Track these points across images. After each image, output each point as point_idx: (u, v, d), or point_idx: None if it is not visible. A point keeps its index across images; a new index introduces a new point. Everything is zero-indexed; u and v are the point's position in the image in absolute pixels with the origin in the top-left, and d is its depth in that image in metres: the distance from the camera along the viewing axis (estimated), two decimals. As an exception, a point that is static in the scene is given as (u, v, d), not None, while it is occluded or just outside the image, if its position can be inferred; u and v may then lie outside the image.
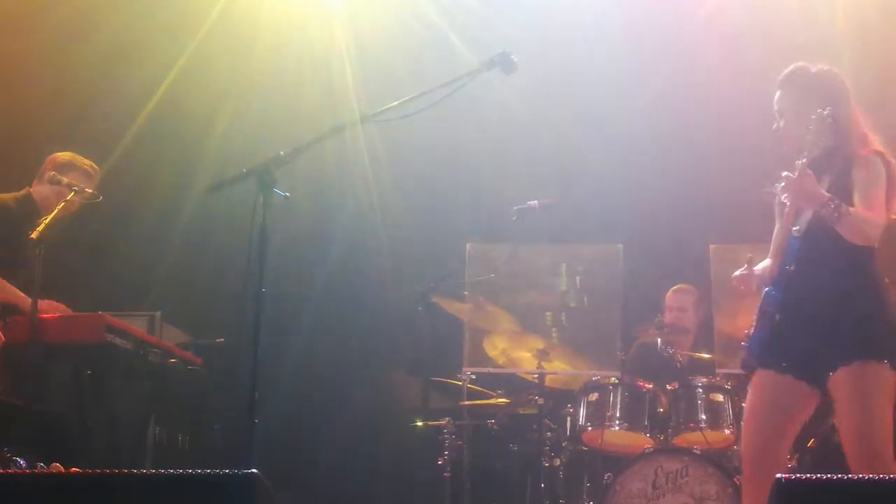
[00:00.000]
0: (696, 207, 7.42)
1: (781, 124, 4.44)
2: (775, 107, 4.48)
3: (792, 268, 4.29)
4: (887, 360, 4.16)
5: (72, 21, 7.40)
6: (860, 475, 3.56)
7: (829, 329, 4.21)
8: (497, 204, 6.86)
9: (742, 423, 4.48)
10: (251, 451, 3.69)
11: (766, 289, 4.36)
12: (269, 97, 7.70)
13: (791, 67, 4.51)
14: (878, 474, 3.84)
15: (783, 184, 4.21)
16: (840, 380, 4.16)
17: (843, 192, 4.24)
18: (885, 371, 4.16)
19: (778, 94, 4.49)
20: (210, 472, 2.80)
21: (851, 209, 4.15)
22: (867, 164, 4.29)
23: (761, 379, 4.35)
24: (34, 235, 5.21)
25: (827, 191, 4.21)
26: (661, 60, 7.54)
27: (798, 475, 2.92)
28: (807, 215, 4.28)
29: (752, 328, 4.40)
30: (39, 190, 5.85)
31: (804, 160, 4.14)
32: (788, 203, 4.26)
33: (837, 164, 4.32)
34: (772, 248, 4.38)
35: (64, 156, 5.93)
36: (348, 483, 7.47)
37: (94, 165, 5.97)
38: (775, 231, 4.41)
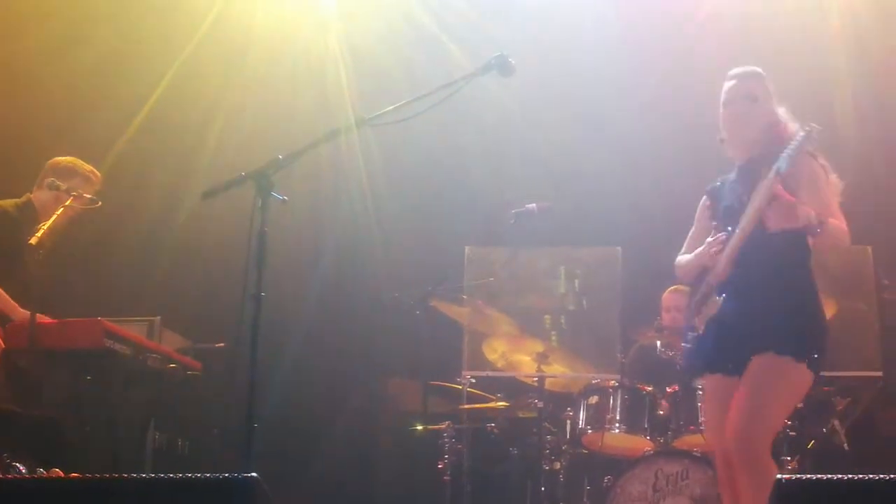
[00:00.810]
0: (694, 210, 7.40)
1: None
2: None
3: (738, 272, 4.37)
4: (804, 358, 4.26)
5: (68, 28, 7.40)
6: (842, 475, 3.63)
7: (762, 322, 4.31)
8: (495, 207, 6.86)
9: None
10: (250, 455, 3.69)
11: (718, 297, 4.42)
12: (264, 102, 7.71)
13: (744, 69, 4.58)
14: (745, 462, 4.12)
15: (771, 207, 4.20)
16: (751, 367, 4.27)
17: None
18: (797, 369, 4.26)
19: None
20: (210, 476, 2.80)
21: (829, 221, 4.22)
22: (810, 169, 4.36)
23: (713, 383, 4.48)
24: (33, 241, 5.21)
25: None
26: (659, 62, 7.54)
27: (798, 476, 2.92)
28: (746, 219, 4.30)
29: (696, 333, 4.49)
30: (39, 196, 5.85)
31: (775, 176, 4.15)
32: (751, 212, 4.27)
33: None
34: (726, 252, 4.37)
35: (64, 161, 5.92)
36: (348, 487, 7.46)
37: (96, 171, 5.97)
38: (716, 237, 4.44)
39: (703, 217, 4.74)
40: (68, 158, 5.95)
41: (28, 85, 7.45)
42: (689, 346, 4.56)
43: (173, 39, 7.56)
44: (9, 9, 7.38)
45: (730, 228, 4.41)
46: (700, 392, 5.89)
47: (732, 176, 4.62)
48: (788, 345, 4.26)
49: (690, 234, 4.81)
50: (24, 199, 5.85)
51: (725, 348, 4.40)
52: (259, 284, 3.90)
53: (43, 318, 5.51)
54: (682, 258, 4.72)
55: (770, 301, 4.32)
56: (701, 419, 5.81)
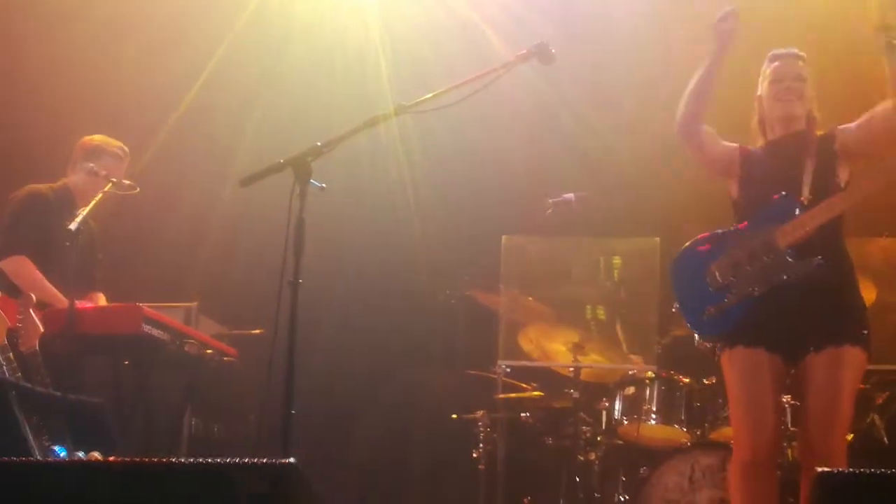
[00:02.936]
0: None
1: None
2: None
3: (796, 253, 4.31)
4: (864, 342, 4.28)
5: (111, 17, 7.45)
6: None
7: (826, 310, 4.27)
8: (533, 196, 6.84)
9: (741, 405, 4.42)
10: (288, 442, 3.70)
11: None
12: (304, 91, 7.73)
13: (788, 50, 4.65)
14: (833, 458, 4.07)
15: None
16: (822, 364, 4.22)
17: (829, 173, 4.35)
18: (862, 356, 4.27)
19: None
20: (249, 462, 2.81)
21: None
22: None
23: (754, 357, 4.33)
24: (71, 226, 5.24)
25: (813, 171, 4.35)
26: (692, 51, 7.49)
27: (839, 470, 2.89)
28: (821, 210, 4.28)
29: (733, 298, 4.37)
30: (74, 179, 5.89)
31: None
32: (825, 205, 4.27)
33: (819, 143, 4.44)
34: (796, 235, 4.32)
35: (93, 140, 5.94)
36: (383, 474, 7.49)
37: (124, 147, 5.97)
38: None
39: (731, 151, 4.69)
40: (97, 137, 5.96)
41: (71, 76, 7.51)
42: (731, 305, 4.39)
43: (214, 29, 7.59)
44: (48, 4, 7.43)
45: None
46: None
47: (759, 150, 4.63)
48: (851, 333, 4.26)
49: None
50: (60, 183, 5.90)
51: (780, 328, 4.31)
52: (297, 272, 3.90)
53: (83, 304, 5.55)
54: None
55: (830, 287, 4.27)
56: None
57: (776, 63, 4.62)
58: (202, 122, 7.72)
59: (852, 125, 4.47)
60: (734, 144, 4.72)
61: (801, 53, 4.64)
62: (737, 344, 4.37)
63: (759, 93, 4.69)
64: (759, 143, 4.69)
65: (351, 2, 7.78)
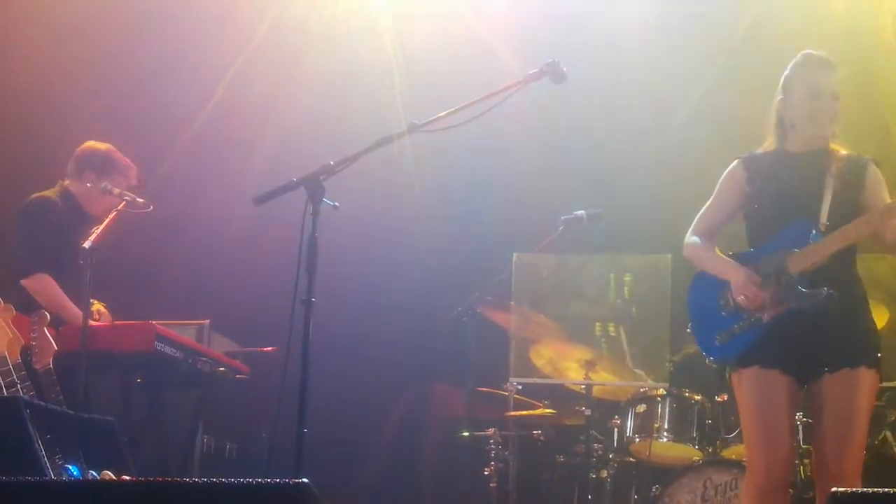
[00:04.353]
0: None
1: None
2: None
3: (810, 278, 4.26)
4: (876, 364, 4.25)
5: (124, 32, 7.50)
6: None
7: (839, 332, 4.23)
8: (544, 214, 6.84)
9: (755, 426, 4.35)
10: (301, 461, 3.70)
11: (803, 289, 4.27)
12: (317, 108, 7.75)
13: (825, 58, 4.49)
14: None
15: None
16: (836, 387, 4.19)
17: (850, 199, 4.29)
18: (875, 377, 4.24)
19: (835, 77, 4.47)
20: (262, 481, 2.81)
21: None
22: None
23: (768, 378, 4.28)
24: (86, 245, 5.25)
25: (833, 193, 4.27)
26: (705, 69, 7.51)
27: (854, 490, 2.88)
28: (841, 235, 4.21)
29: (743, 325, 4.35)
30: (78, 188, 5.86)
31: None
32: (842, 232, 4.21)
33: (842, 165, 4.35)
34: (811, 260, 4.26)
35: (99, 149, 5.92)
36: (394, 492, 7.47)
37: (132, 164, 5.96)
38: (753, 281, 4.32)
39: (733, 185, 4.55)
40: (100, 146, 5.94)
41: (85, 90, 7.55)
42: (741, 332, 4.36)
43: (227, 47, 7.63)
44: (67, 15, 7.48)
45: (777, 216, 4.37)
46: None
47: (772, 157, 4.50)
48: (866, 356, 4.24)
49: (712, 201, 4.62)
50: (58, 187, 5.86)
51: (793, 350, 4.27)
52: (310, 290, 3.91)
53: (96, 322, 5.56)
54: (703, 252, 4.53)
55: (842, 313, 4.23)
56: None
57: (814, 73, 4.43)
58: (215, 139, 7.74)
59: (881, 198, 4.32)
60: (733, 173, 4.56)
61: (834, 62, 4.47)
62: (752, 364, 4.31)
63: (781, 97, 4.48)
64: (770, 145, 4.53)
65: (365, 19, 7.82)
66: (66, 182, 5.90)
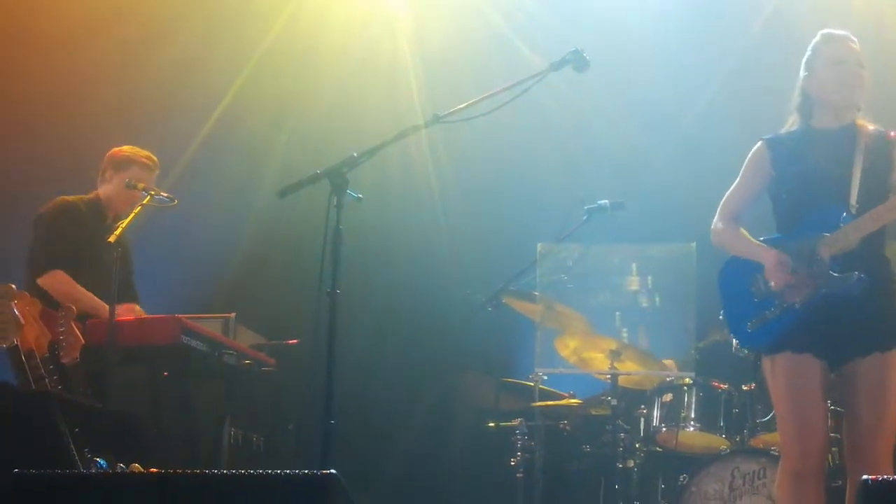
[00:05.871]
0: (768, 204, 7.32)
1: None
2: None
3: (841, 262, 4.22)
4: None
5: (143, 31, 7.53)
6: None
7: (872, 316, 4.18)
8: (567, 203, 6.83)
9: (790, 412, 4.28)
10: (328, 452, 3.70)
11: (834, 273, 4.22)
12: (336, 102, 7.76)
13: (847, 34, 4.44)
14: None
15: None
16: (870, 371, 4.16)
17: (879, 179, 4.23)
18: None
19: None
20: (290, 473, 2.82)
21: None
22: None
23: (801, 364, 4.23)
24: (111, 239, 5.27)
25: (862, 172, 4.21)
26: (725, 58, 7.48)
27: (884, 477, 2.86)
28: (871, 219, 4.17)
29: (775, 311, 4.29)
30: (106, 190, 5.91)
31: None
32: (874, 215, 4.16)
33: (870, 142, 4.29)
34: (838, 245, 4.22)
35: (123, 151, 5.95)
36: (421, 483, 7.48)
37: (153, 157, 5.98)
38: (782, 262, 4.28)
39: (757, 167, 4.50)
40: (126, 148, 5.97)
41: (104, 86, 7.58)
42: (773, 318, 4.30)
43: (247, 41, 7.65)
44: (84, 12, 7.50)
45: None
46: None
47: (798, 136, 4.43)
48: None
49: (738, 183, 4.56)
50: (91, 195, 5.92)
51: (825, 334, 4.22)
52: (334, 281, 3.92)
53: (123, 316, 5.59)
54: (731, 236, 4.49)
55: (874, 292, 4.18)
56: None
57: (835, 44, 4.38)
58: (236, 132, 7.78)
59: None
60: (757, 153, 4.50)
61: (855, 38, 4.40)
62: (784, 349, 4.27)
63: (805, 73, 4.41)
64: (795, 123, 4.47)
65: (383, 13, 7.82)
66: (97, 190, 5.95)
